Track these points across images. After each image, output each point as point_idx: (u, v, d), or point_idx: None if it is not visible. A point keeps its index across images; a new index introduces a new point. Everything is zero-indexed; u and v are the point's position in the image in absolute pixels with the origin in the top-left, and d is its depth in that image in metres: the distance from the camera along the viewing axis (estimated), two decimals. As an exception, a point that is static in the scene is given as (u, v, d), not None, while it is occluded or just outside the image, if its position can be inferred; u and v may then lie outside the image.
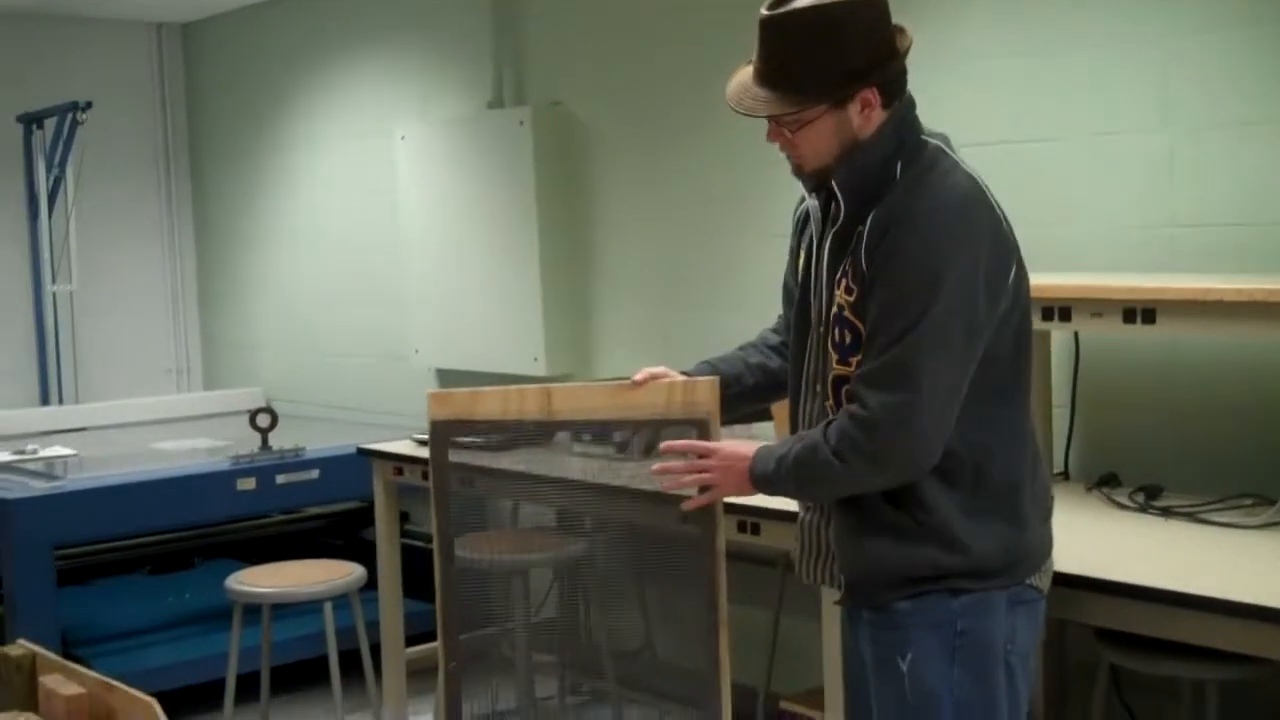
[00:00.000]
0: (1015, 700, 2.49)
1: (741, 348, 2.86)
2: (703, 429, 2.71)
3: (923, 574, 2.43)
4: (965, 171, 2.43)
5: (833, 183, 2.45)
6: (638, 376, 2.76)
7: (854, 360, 2.42)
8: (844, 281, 2.43)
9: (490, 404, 2.91)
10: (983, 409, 2.40)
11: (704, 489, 2.65)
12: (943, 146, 2.46)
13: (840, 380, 2.46)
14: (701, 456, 2.62)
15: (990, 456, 2.43)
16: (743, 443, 2.64)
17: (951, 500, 2.41)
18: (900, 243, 2.34)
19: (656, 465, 2.68)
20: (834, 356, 2.47)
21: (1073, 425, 3.77)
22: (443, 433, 2.93)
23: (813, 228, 2.56)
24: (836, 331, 2.46)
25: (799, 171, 2.51)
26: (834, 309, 2.46)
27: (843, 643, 2.69)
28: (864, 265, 2.38)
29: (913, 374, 2.32)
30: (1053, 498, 2.61)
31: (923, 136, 2.46)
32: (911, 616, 2.45)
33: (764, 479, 2.54)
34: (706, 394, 2.73)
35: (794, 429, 2.62)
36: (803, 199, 2.61)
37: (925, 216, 2.35)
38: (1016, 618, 2.48)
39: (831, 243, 2.48)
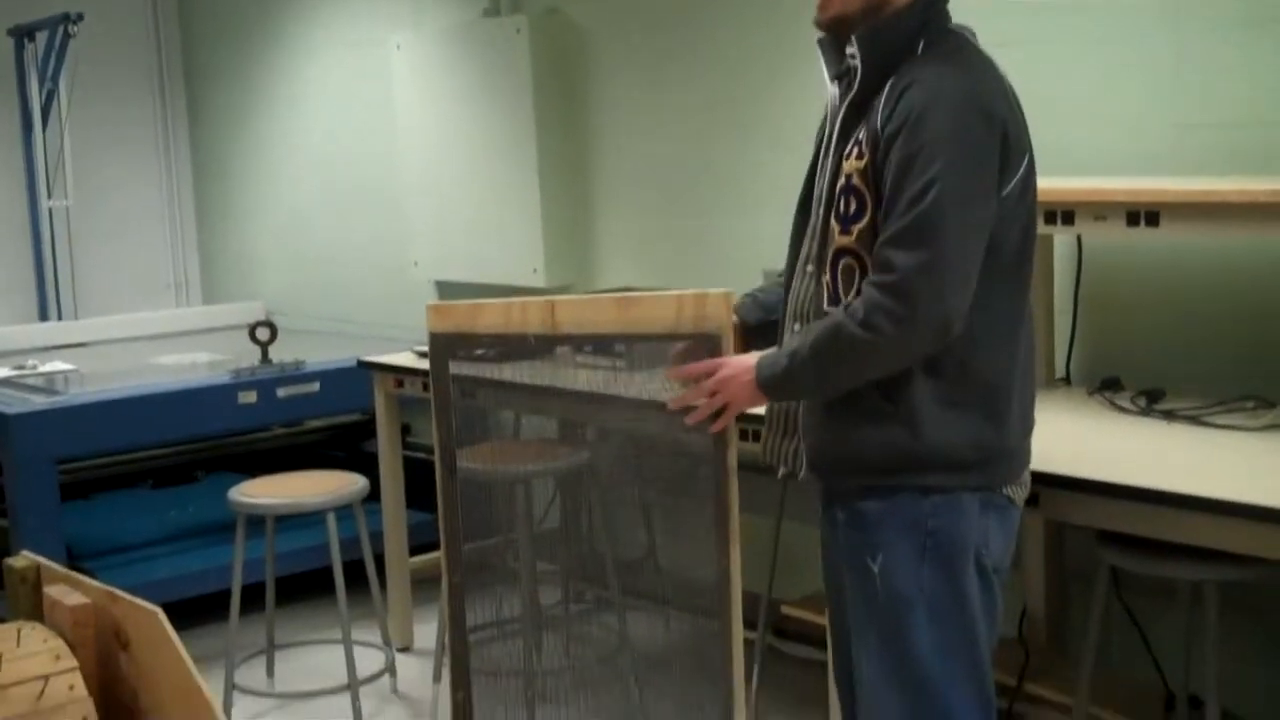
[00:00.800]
0: (991, 608, 2.50)
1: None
2: (714, 344, 2.60)
3: (884, 459, 2.43)
4: (987, 57, 2.48)
5: (852, 40, 2.45)
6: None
7: (856, 229, 2.41)
8: (855, 150, 2.42)
9: (492, 316, 2.84)
10: (979, 296, 2.37)
11: (721, 410, 2.61)
12: (968, 36, 2.50)
13: (841, 253, 2.44)
14: (707, 376, 2.59)
15: (975, 349, 2.41)
16: (745, 355, 2.61)
17: (928, 387, 2.40)
18: (920, 101, 2.34)
19: (673, 401, 2.64)
20: (836, 229, 2.45)
21: (1075, 329, 3.75)
22: (442, 346, 2.88)
23: (828, 116, 2.55)
24: (842, 202, 2.44)
25: (821, 14, 2.51)
26: (841, 180, 2.45)
27: (822, 544, 2.70)
28: (879, 127, 2.38)
29: (939, 229, 2.30)
30: (1034, 419, 2.59)
31: (950, 26, 2.50)
32: (883, 518, 2.46)
33: (773, 382, 2.50)
34: (718, 308, 2.61)
35: (783, 317, 2.62)
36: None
37: (946, 79, 2.37)
38: (989, 521, 2.47)
39: (846, 113, 2.49)
